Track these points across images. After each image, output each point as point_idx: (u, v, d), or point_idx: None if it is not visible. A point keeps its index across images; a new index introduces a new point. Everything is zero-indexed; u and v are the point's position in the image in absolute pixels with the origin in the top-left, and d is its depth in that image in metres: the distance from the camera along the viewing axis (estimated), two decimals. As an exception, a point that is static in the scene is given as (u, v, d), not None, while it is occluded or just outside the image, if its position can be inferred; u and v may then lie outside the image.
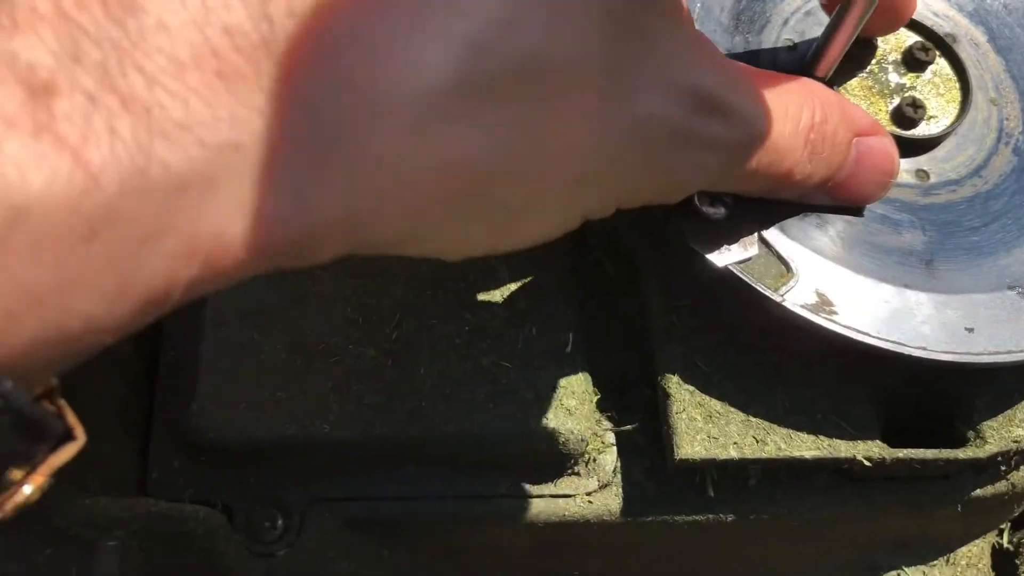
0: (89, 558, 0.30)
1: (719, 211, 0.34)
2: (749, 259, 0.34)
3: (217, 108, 0.20)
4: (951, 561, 0.43)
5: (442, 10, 0.21)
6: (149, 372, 0.37)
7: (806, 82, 0.33)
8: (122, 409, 0.35)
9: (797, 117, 0.31)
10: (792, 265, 0.34)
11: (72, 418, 0.20)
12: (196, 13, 0.20)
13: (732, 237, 0.34)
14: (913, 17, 0.41)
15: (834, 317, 0.34)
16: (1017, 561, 0.44)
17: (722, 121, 0.27)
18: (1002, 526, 0.45)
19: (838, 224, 0.36)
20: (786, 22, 0.40)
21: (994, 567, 0.44)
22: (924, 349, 0.34)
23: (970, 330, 0.35)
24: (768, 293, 0.34)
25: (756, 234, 0.35)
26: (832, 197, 0.35)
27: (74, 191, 0.19)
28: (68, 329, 0.20)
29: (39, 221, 0.18)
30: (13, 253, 0.18)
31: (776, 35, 0.40)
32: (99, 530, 0.30)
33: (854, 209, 0.36)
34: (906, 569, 0.43)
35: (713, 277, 0.34)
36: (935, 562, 0.43)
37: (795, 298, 0.34)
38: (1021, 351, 0.35)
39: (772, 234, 0.35)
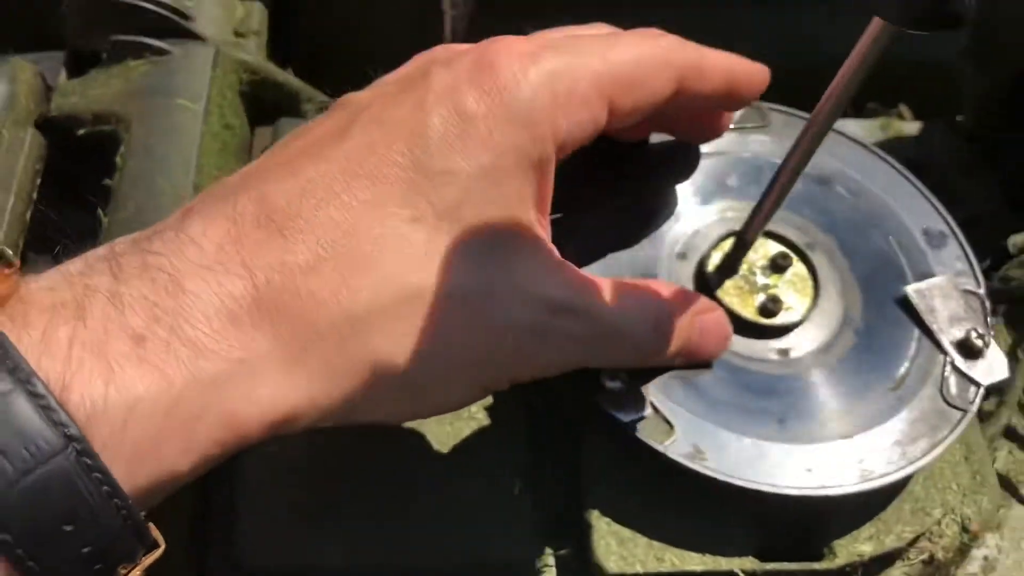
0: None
1: (616, 384, 0.47)
2: (642, 418, 0.47)
3: (230, 340, 0.34)
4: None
5: (361, 267, 0.36)
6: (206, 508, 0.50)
7: (653, 283, 0.47)
8: (186, 542, 0.48)
9: (646, 313, 0.44)
10: (674, 424, 0.47)
11: (156, 531, 0.33)
12: (214, 288, 0.35)
13: (631, 400, 0.47)
14: (779, 232, 0.54)
15: (705, 463, 0.46)
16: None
17: (573, 319, 0.41)
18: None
19: (713, 393, 0.49)
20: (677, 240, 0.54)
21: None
22: (774, 485, 0.46)
23: (809, 471, 0.47)
24: (655, 445, 0.46)
25: (648, 399, 0.47)
26: (686, 361, 0.48)
27: (161, 389, 0.33)
28: (161, 474, 0.33)
29: (144, 408, 0.32)
30: (136, 427, 0.32)
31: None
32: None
33: (704, 363, 0.49)
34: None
35: (621, 437, 0.47)
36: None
37: (676, 449, 0.46)
38: (848, 485, 0.47)
39: (659, 399, 0.47)
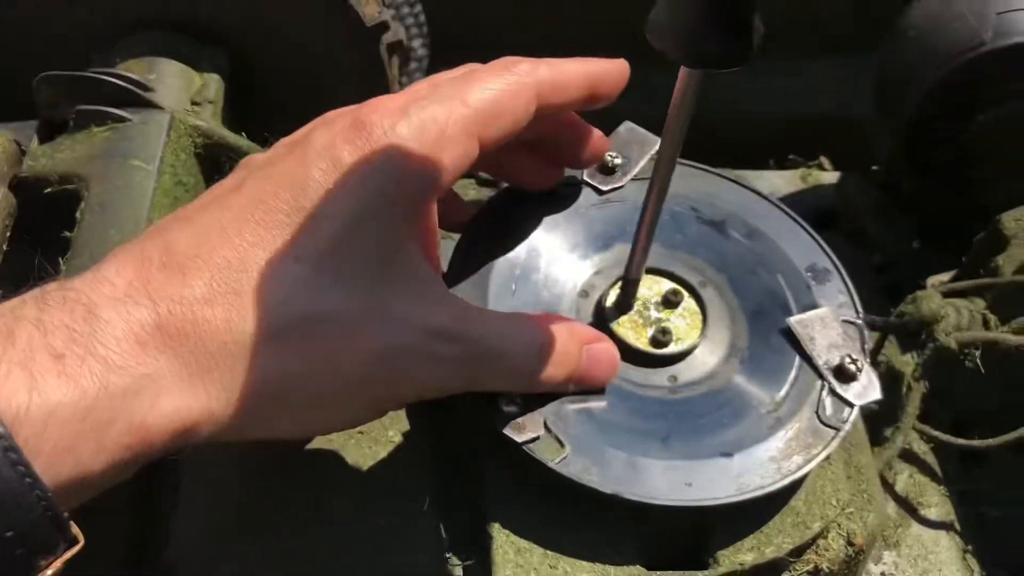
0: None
1: (512, 408, 0.51)
2: (536, 438, 0.52)
3: (137, 359, 0.40)
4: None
5: (250, 298, 0.42)
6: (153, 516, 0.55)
7: (543, 318, 0.52)
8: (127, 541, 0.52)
9: (529, 339, 0.49)
10: (565, 443, 0.52)
11: (75, 528, 0.38)
12: (123, 316, 0.40)
13: (526, 422, 0.52)
14: (673, 271, 0.60)
15: (592, 479, 0.51)
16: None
17: (450, 343, 0.46)
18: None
19: (603, 416, 0.53)
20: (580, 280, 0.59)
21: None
22: (654, 498, 0.51)
23: (689, 484, 0.51)
24: (546, 462, 0.51)
25: (542, 420, 0.52)
26: (577, 386, 0.53)
27: (76, 398, 0.38)
28: (77, 473, 0.38)
29: (62, 413, 0.38)
30: (55, 429, 0.37)
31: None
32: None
33: (597, 389, 0.54)
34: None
35: (517, 450, 0.51)
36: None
37: (566, 466, 0.51)
38: (724, 497, 0.51)
39: (552, 420, 0.52)
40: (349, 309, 0.43)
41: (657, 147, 0.63)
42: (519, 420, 0.52)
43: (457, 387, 0.48)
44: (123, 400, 0.39)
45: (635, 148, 0.64)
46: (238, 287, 0.42)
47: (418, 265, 0.46)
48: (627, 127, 0.65)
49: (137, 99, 0.66)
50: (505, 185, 0.63)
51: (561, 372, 0.51)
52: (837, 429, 0.54)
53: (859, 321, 0.58)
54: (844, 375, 0.56)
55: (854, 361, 0.56)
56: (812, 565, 0.55)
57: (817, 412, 0.55)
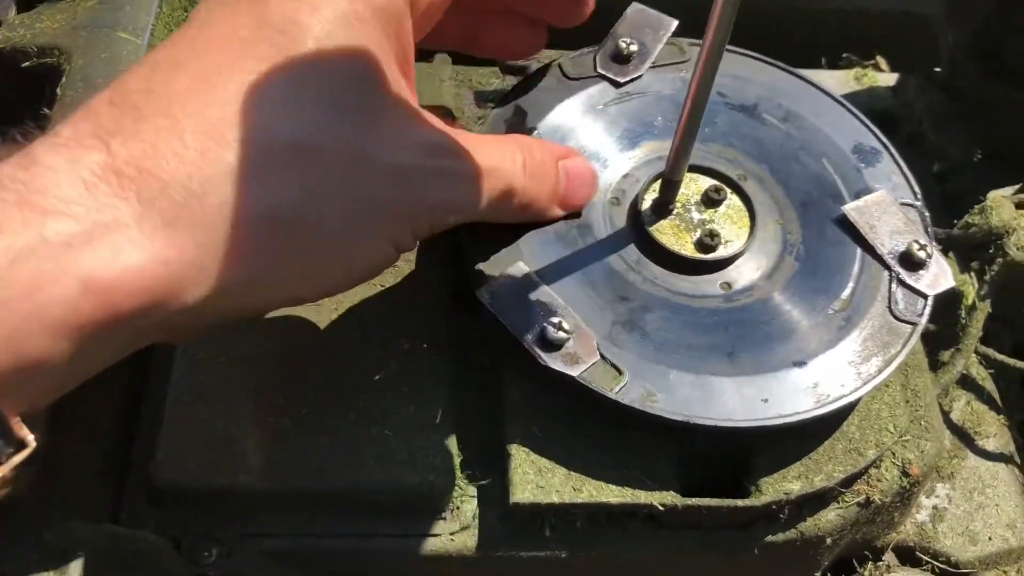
0: (64, 566, 0.42)
1: (561, 335, 0.46)
2: (591, 366, 0.46)
3: (86, 204, 0.33)
4: (771, 602, 0.52)
5: (224, 125, 0.35)
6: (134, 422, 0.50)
7: (514, 136, 0.48)
8: (108, 455, 0.48)
9: (512, 153, 0.45)
10: (624, 369, 0.46)
11: (23, 430, 0.32)
12: (67, 158, 0.34)
13: (578, 350, 0.46)
14: (710, 166, 0.53)
15: (659, 406, 0.45)
16: (833, 604, 0.53)
17: (452, 158, 0.41)
18: (818, 574, 0.54)
19: (659, 335, 0.48)
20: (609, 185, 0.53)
21: (812, 610, 0.53)
22: (731, 420, 0.45)
23: (766, 401, 0.46)
24: (605, 392, 0.45)
25: (595, 345, 0.46)
26: (563, 209, 0.49)
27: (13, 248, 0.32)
28: (18, 355, 0.32)
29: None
30: None
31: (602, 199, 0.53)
32: (73, 544, 0.42)
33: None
34: (730, 608, 0.52)
35: (558, 377, 0.46)
36: (756, 603, 0.53)
37: (626, 394, 0.45)
38: (804, 412, 0.46)
39: (605, 345, 0.46)
40: (346, 129, 0.37)
41: (672, 28, 0.57)
42: (570, 349, 0.46)
43: (465, 211, 0.44)
44: (69, 251, 0.32)
45: (648, 32, 0.57)
46: (206, 114, 0.35)
47: (401, 85, 0.41)
48: (636, 8, 0.58)
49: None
50: (530, 70, 0.57)
51: (545, 188, 0.47)
52: (914, 324, 0.49)
53: (919, 203, 0.52)
54: (913, 263, 0.50)
55: (922, 247, 0.50)
56: (863, 497, 0.50)
57: (889, 307, 0.49)
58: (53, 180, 0.33)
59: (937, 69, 0.75)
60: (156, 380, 0.50)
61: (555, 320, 0.46)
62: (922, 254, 0.50)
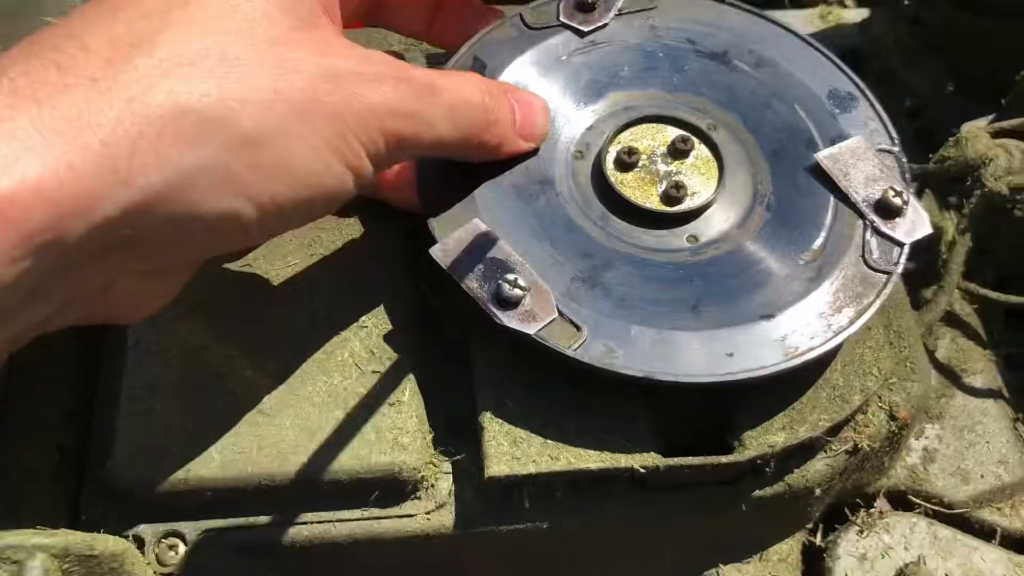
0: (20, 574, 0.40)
1: (516, 292, 0.44)
2: (549, 323, 0.44)
3: None
4: (763, 558, 0.51)
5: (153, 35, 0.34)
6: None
7: (467, 73, 0.46)
8: (63, 455, 0.45)
9: (462, 75, 0.44)
10: (581, 326, 0.44)
11: None
12: None
13: (536, 307, 0.44)
14: (678, 116, 0.51)
15: (617, 363, 0.43)
16: (825, 555, 0.52)
17: (394, 68, 0.40)
18: (809, 525, 0.52)
19: (620, 291, 0.46)
20: (572, 138, 0.51)
21: (804, 562, 0.52)
22: (695, 376, 0.43)
23: (730, 355, 0.44)
24: (562, 350, 0.43)
25: (553, 302, 0.44)
26: (523, 139, 0.47)
27: None
28: None
29: None
30: None
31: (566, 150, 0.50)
32: (28, 552, 0.40)
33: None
34: (722, 567, 0.51)
35: (521, 339, 0.44)
36: (749, 559, 0.51)
37: (585, 351, 0.43)
38: (771, 366, 0.44)
39: (563, 302, 0.44)
40: (273, 36, 0.36)
41: None
42: (527, 307, 0.44)
43: (416, 122, 0.40)
44: None
45: None
46: (114, 29, 0.33)
47: (330, 22, 0.40)
48: None
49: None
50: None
51: (504, 110, 0.45)
52: (888, 273, 0.47)
53: (896, 148, 0.50)
54: (888, 211, 0.48)
55: (898, 193, 0.48)
56: (851, 444, 0.48)
57: (863, 256, 0.47)
58: None
59: (905, 2, 0.73)
60: (107, 375, 0.48)
61: (510, 277, 0.44)
62: (898, 201, 0.48)
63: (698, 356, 0.44)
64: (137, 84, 0.33)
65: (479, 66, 0.51)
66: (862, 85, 0.52)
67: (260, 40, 0.36)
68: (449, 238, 0.45)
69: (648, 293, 0.46)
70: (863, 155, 0.49)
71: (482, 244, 0.45)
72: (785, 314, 0.45)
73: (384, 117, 0.39)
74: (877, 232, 0.48)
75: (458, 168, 0.46)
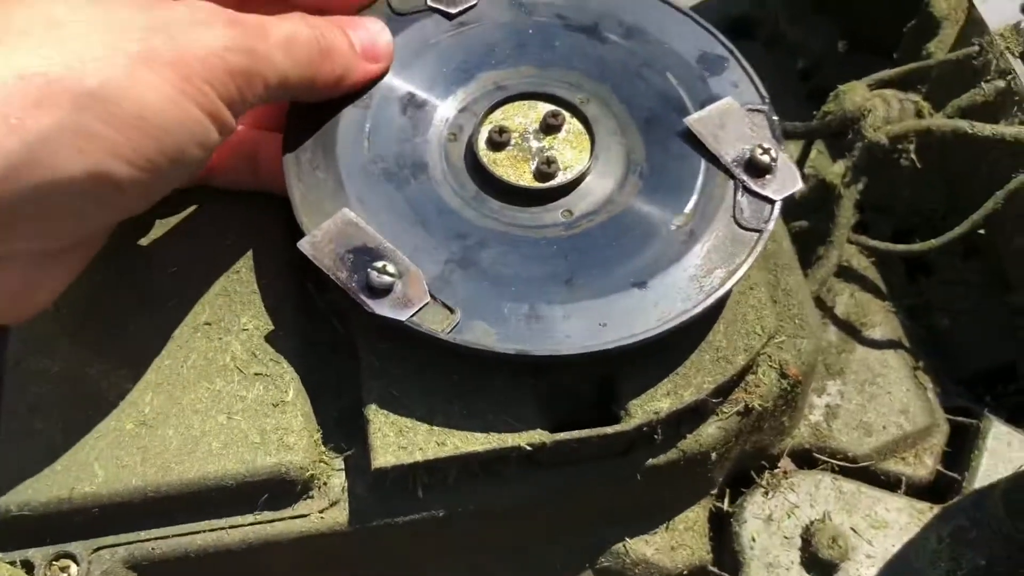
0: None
1: (386, 278, 0.43)
2: (421, 308, 0.44)
3: None
4: (669, 527, 0.51)
5: None
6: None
7: (293, 13, 0.45)
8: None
9: (292, 19, 0.44)
10: (455, 308, 0.44)
11: None
12: None
13: (408, 292, 0.44)
14: (549, 91, 0.51)
15: (491, 342, 0.43)
16: (732, 520, 0.52)
17: (221, 12, 0.41)
18: (714, 491, 0.52)
19: (494, 270, 0.45)
20: (446, 121, 0.51)
21: (712, 528, 0.52)
22: (566, 350, 0.43)
23: (603, 325, 0.44)
24: (434, 333, 0.43)
25: (425, 288, 0.44)
26: (369, 60, 0.48)
27: None
28: None
29: None
30: None
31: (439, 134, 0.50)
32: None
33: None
34: (628, 540, 0.50)
35: (397, 327, 0.44)
36: (655, 530, 0.51)
37: (459, 333, 0.43)
38: (642, 333, 0.44)
39: (437, 286, 0.44)
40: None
41: None
42: (399, 293, 0.44)
43: (255, 60, 0.41)
44: None
45: None
46: None
47: None
48: None
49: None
50: None
51: (338, 37, 0.46)
52: (759, 231, 0.47)
53: (765, 107, 0.50)
54: (758, 169, 0.48)
55: (766, 151, 0.48)
56: (742, 405, 0.48)
57: (734, 216, 0.47)
58: None
59: (790, -36, 0.74)
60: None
61: (379, 264, 0.44)
62: (766, 159, 0.48)
63: (572, 329, 0.44)
64: None
65: None
66: (731, 47, 0.52)
67: (83, 3, 0.37)
68: (318, 230, 0.45)
69: (522, 271, 0.46)
70: (732, 116, 0.49)
71: (351, 233, 0.45)
72: (657, 279, 0.45)
73: (225, 55, 0.40)
74: (748, 191, 0.48)
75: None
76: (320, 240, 0.45)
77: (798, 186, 0.47)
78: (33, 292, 0.41)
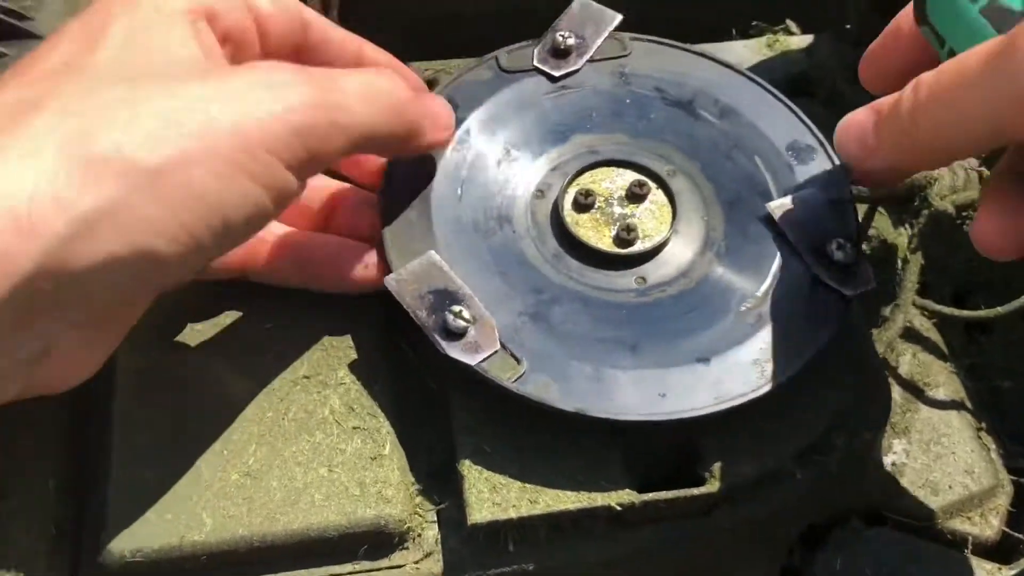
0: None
1: (460, 323, 0.46)
2: (491, 355, 0.46)
3: None
4: (743, 584, 0.53)
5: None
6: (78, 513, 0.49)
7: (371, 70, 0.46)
8: (59, 528, 0.47)
9: (364, 70, 0.45)
10: (522, 359, 0.46)
11: None
12: None
13: (479, 339, 0.46)
14: (638, 161, 0.53)
15: (552, 396, 0.45)
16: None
17: (288, 71, 0.40)
18: (785, 549, 0.54)
19: (564, 327, 0.48)
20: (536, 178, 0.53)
21: (784, 585, 0.54)
22: (623, 414, 0.45)
23: (663, 396, 0.46)
24: (500, 381, 0.45)
25: (496, 336, 0.46)
26: (437, 130, 0.48)
27: None
28: None
29: None
30: None
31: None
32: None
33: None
34: (706, 596, 0.52)
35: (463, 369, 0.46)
36: (731, 587, 0.53)
37: (523, 384, 0.45)
38: (700, 409, 0.46)
39: (508, 335, 0.46)
40: (153, 70, 0.39)
41: (616, 23, 0.57)
42: (471, 338, 0.46)
43: (318, 114, 0.40)
44: None
45: (590, 26, 0.58)
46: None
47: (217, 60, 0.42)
48: (581, 3, 0.58)
49: (15, 30, 0.58)
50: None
51: (406, 88, 0.45)
52: (830, 326, 0.49)
53: (847, 200, 0.52)
54: (834, 263, 0.50)
55: (842, 247, 0.50)
56: (817, 469, 0.50)
57: (805, 307, 0.49)
58: None
59: (847, 26, 0.76)
60: (96, 447, 0.49)
61: (456, 308, 0.46)
62: (841, 254, 0.49)
63: (631, 394, 0.46)
64: (30, 142, 0.35)
65: (452, 105, 0.53)
66: (822, 138, 0.54)
67: (143, 80, 0.38)
68: (404, 269, 0.48)
69: (592, 331, 0.48)
70: (814, 206, 0.51)
71: (434, 275, 0.47)
72: (720, 358, 0.47)
73: (287, 116, 0.38)
74: (822, 284, 0.49)
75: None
76: (405, 278, 0.47)
77: (871, 285, 0.49)
78: (86, 359, 0.42)
